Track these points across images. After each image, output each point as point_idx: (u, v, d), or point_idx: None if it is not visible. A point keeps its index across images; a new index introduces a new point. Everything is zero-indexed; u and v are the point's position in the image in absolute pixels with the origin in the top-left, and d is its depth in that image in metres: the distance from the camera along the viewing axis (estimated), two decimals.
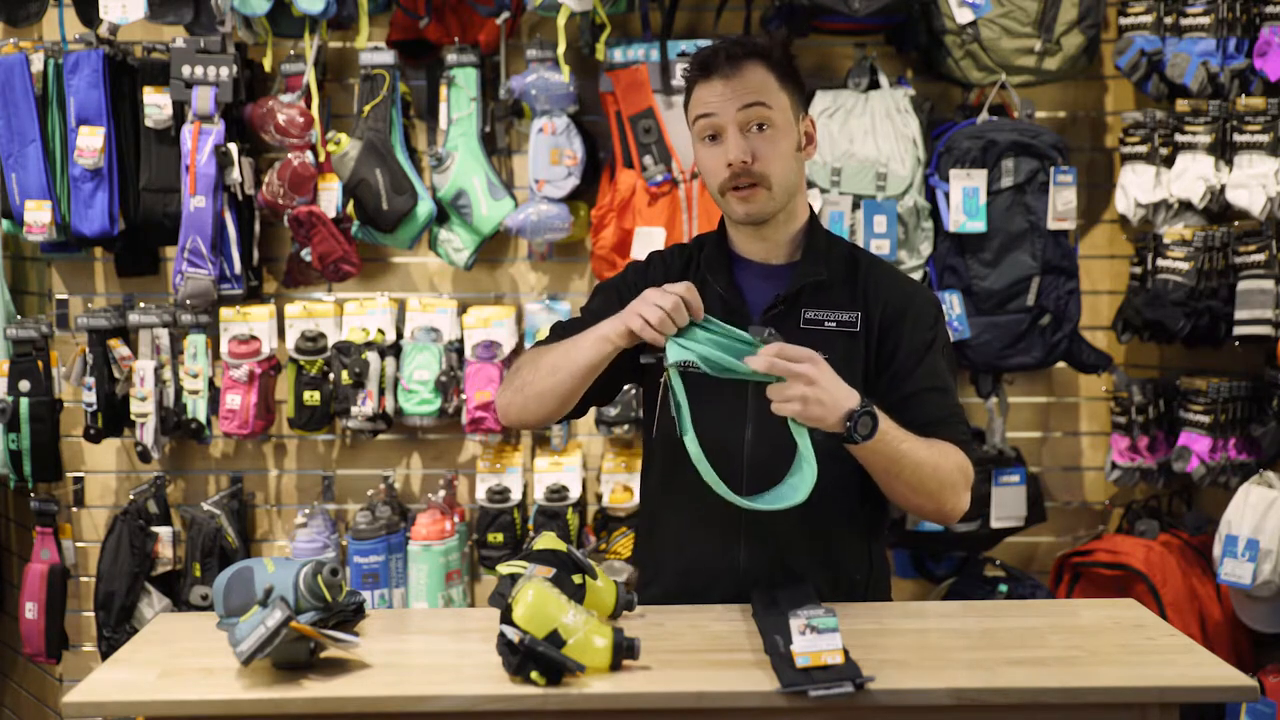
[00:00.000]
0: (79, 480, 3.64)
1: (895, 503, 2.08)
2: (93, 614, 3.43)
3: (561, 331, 2.20)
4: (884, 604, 2.06)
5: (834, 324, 2.09)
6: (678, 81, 3.30)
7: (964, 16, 3.27)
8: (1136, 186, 3.30)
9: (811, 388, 1.87)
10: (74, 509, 3.64)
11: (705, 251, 2.19)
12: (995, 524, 3.34)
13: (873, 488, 2.06)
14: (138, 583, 3.38)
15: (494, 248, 3.56)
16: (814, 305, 2.10)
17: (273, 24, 3.36)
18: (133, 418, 3.41)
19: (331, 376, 3.39)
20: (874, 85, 3.33)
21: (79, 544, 3.61)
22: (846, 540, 2.12)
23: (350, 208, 3.39)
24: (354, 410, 3.37)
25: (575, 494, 3.42)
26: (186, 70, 3.28)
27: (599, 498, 3.48)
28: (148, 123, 3.34)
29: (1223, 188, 3.15)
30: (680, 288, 1.93)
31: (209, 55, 3.28)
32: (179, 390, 3.43)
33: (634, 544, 2.34)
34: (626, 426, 3.37)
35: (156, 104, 3.33)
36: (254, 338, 3.43)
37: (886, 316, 2.10)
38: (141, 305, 3.46)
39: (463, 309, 3.51)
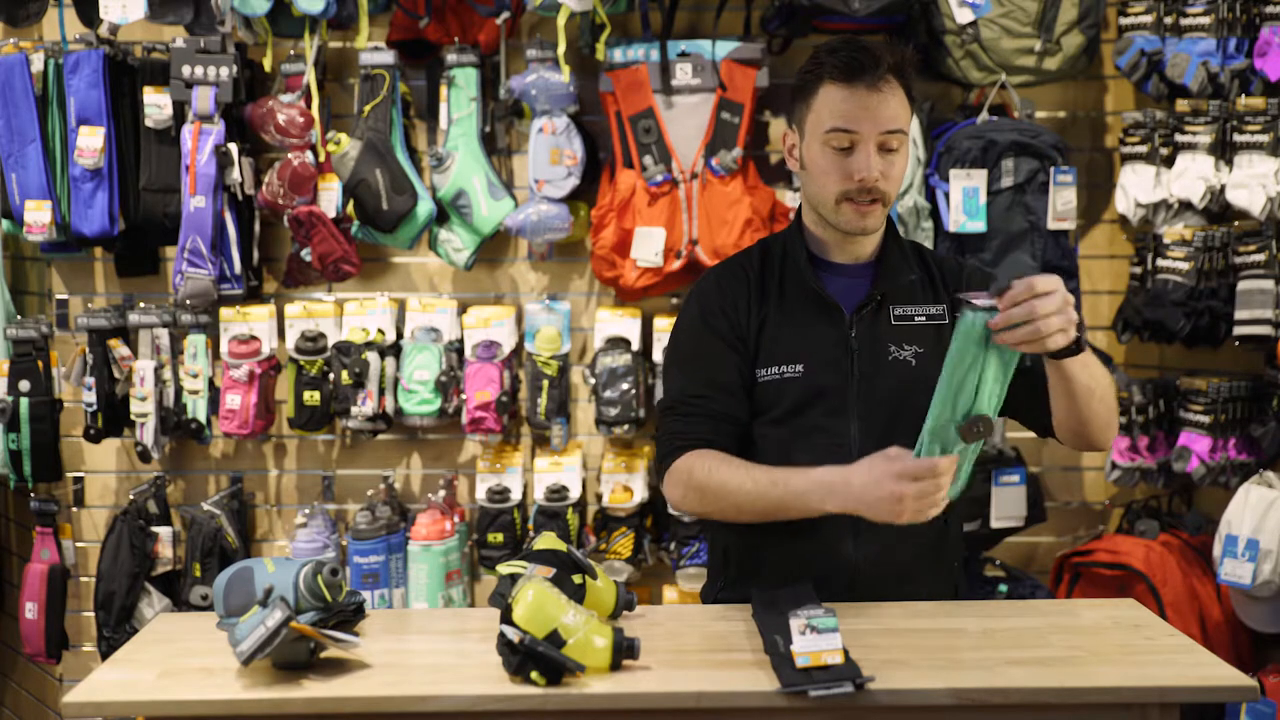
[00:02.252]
0: (79, 480, 3.64)
1: (1082, 425, 2.06)
2: (93, 614, 3.43)
3: (695, 411, 2.13)
4: (884, 604, 2.06)
5: (923, 318, 2.14)
6: (678, 81, 3.31)
7: (964, 16, 3.27)
8: (1136, 186, 3.30)
9: (1066, 307, 1.84)
10: (74, 509, 3.64)
11: (786, 255, 2.18)
12: (995, 524, 3.34)
13: None
14: (138, 583, 3.38)
15: (494, 248, 3.56)
16: (900, 302, 2.15)
17: (273, 24, 3.36)
18: (133, 418, 3.41)
19: (331, 376, 3.39)
20: None
21: (79, 544, 3.61)
22: (949, 531, 2.16)
23: (350, 208, 3.39)
24: (354, 410, 3.37)
25: (575, 494, 3.43)
26: (186, 70, 3.28)
27: (599, 498, 3.48)
28: (148, 123, 3.34)
29: (1223, 188, 3.15)
30: (924, 470, 1.89)
31: (209, 55, 3.28)
32: (179, 390, 3.43)
33: (711, 542, 2.33)
34: (626, 426, 3.37)
35: (156, 104, 3.33)
36: (254, 338, 3.43)
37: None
38: (141, 305, 3.46)
39: (463, 309, 3.51)
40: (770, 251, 2.21)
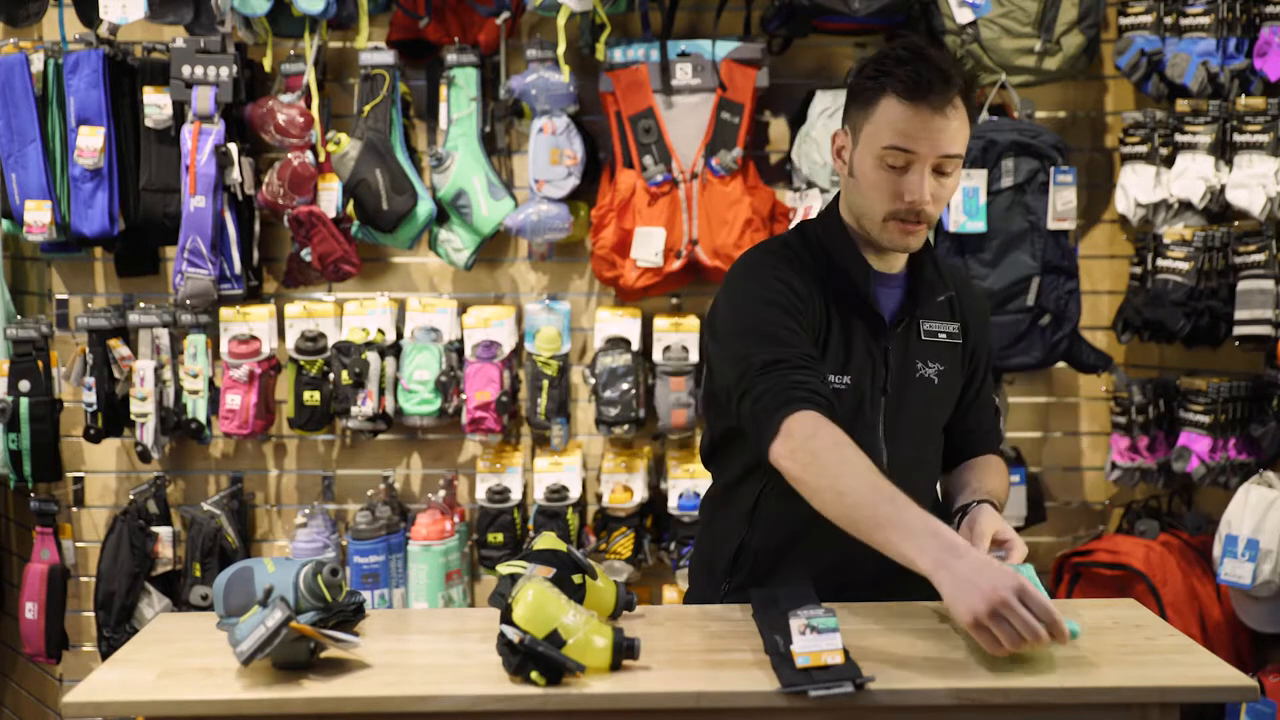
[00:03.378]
0: (79, 480, 3.64)
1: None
2: (93, 614, 3.43)
3: (801, 366, 1.94)
4: (884, 604, 2.06)
5: (945, 335, 2.11)
6: (678, 81, 3.30)
7: (964, 16, 3.26)
8: (1136, 186, 3.30)
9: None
10: (74, 509, 3.64)
11: (832, 256, 2.07)
12: None
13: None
14: (138, 583, 3.38)
15: (494, 248, 3.56)
16: (929, 318, 2.10)
17: (273, 24, 3.36)
18: (133, 418, 3.41)
19: (331, 376, 3.39)
20: None
21: (79, 544, 3.61)
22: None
23: (350, 208, 3.39)
24: (354, 410, 3.37)
25: (575, 494, 3.43)
26: (186, 70, 3.28)
27: (599, 498, 3.48)
28: (148, 123, 3.34)
29: (1223, 188, 3.15)
30: (1039, 602, 1.71)
31: (209, 55, 3.28)
32: (179, 390, 3.43)
33: (714, 541, 2.23)
34: (627, 426, 3.37)
35: (156, 104, 3.33)
36: (254, 338, 3.43)
37: (975, 324, 2.15)
38: (141, 305, 3.46)
39: (463, 309, 3.51)
40: (809, 246, 2.08)
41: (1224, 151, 3.16)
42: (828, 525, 1.87)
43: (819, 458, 1.85)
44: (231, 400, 3.40)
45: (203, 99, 3.27)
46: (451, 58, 3.38)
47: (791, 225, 3.23)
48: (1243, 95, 3.14)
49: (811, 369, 1.93)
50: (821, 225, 2.11)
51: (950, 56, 2.02)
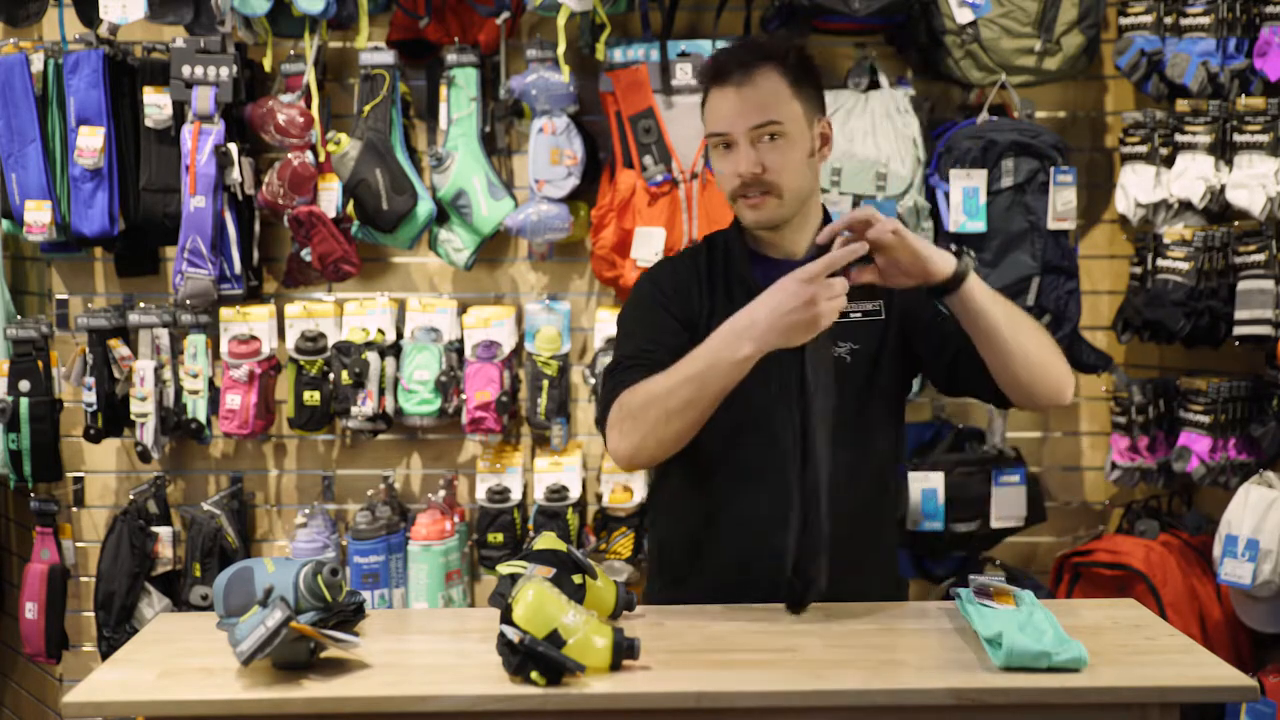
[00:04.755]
0: (79, 480, 3.64)
1: (1018, 372, 2.04)
2: (93, 614, 3.43)
3: (637, 363, 2.12)
4: (884, 604, 2.06)
5: (859, 314, 2.12)
6: (678, 81, 3.30)
7: (964, 16, 3.27)
8: (1136, 186, 3.30)
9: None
10: (74, 509, 3.64)
11: (724, 249, 2.21)
12: (995, 524, 3.34)
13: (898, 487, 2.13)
14: (138, 583, 3.38)
15: (494, 248, 3.56)
16: None
17: (273, 24, 3.36)
18: (133, 418, 3.41)
19: (331, 376, 3.39)
20: (874, 85, 3.33)
21: (79, 544, 3.61)
22: (883, 519, 2.15)
23: (350, 208, 3.39)
24: (354, 410, 3.37)
25: (575, 494, 3.42)
26: (186, 70, 3.28)
27: (599, 498, 3.48)
28: (148, 123, 3.34)
29: (1223, 188, 3.15)
30: (819, 267, 1.91)
31: (209, 55, 3.28)
32: (179, 390, 3.43)
33: (653, 541, 2.31)
34: None
35: (156, 104, 3.33)
36: (254, 338, 3.43)
37: (901, 291, 2.12)
38: (141, 305, 3.46)
39: (463, 309, 3.51)
40: (715, 247, 2.24)
41: (1224, 151, 3.16)
42: (729, 519, 2.06)
43: (633, 412, 2.03)
44: (231, 400, 3.40)
45: (203, 99, 3.27)
46: (451, 58, 3.38)
47: None
48: (1243, 95, 3.14)
49: (644, 362, 2.08)
50: (730, 227, 2.26)
51: (775, 39, 2.13)
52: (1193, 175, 3.18)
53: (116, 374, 3.41)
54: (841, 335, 2.12)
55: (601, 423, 2.16)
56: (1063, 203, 3.24)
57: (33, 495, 3.53)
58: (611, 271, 3.36)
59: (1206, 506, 3.44)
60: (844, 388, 2.08)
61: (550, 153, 3.33)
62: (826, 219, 2.20)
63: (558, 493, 3.41)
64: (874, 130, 3.25)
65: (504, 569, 1.88)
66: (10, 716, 3.88)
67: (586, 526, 3.49)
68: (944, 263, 1.94)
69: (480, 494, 3.45)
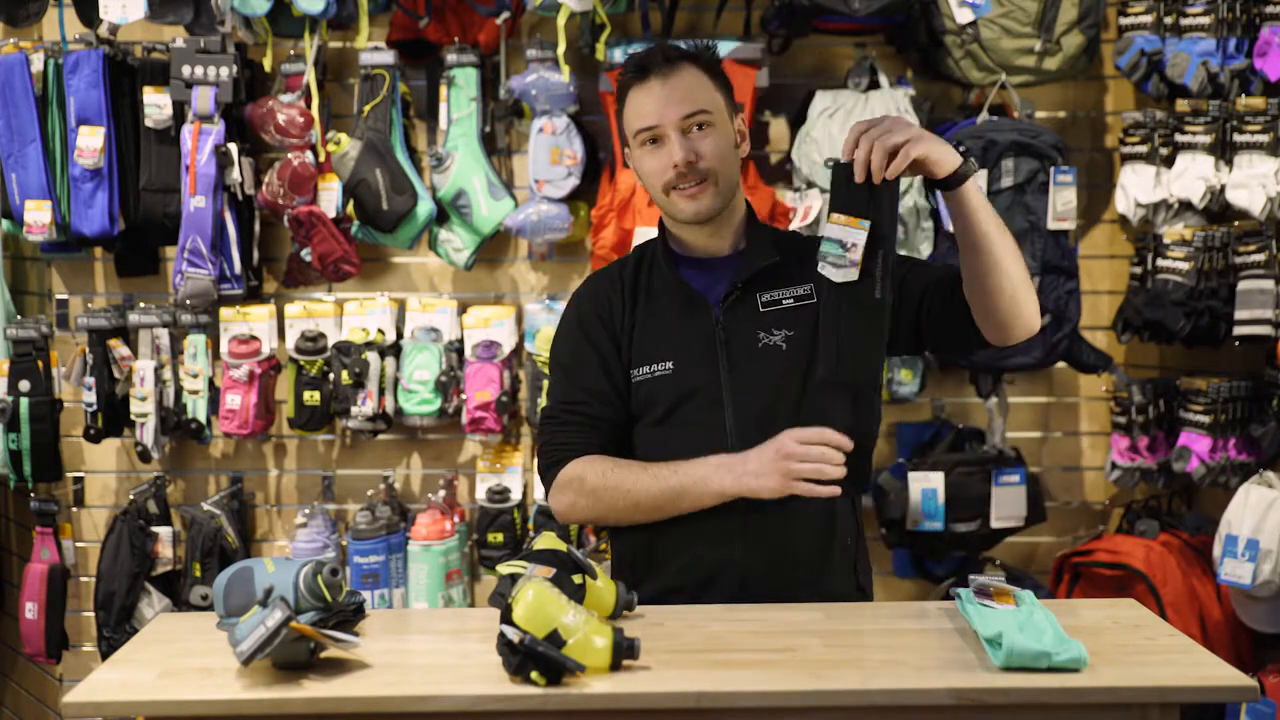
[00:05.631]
0: (79, 480, 3.64)
1: (999, 302, 2.01)
2: (93, 614, 3.43)
3: (570, 419, 2.17)
4: (884, 604, 2.06)
5: (791, 300, 2.15)
6: None
7: (964, 16, 3.27)
8: (1136, 186, 3.30)
9: (909, 129, 1.88)
10: (74, 509, 3.64)
11: (649, 256, 2.22)
12: (995, 524, 3.34)
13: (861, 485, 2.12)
14: (138, 583, 3.38)
15: (494, 248, 3.56)
16: (768, 288, 2.15)
17: (273, 24, 3.36)
18: (133, 418, 3.41)
19: (331, 376, 3.39)
20: (874, 85, 3.33)
21: (79, 544, 3.61)
22: (837, 524, 2.13)
23: (350, 208, 3.39)
24: (354, 410, 3.37)
25: None
26: (186, 70, 3.28)
27: None
28: (148, 123, 3.34)
29: (1223, 188, 3.15)
30: (813, 434, 2.01)
31: (209, 55, 3.28)
32: (179, 390, 3.43)
33: (613, 549, 2.33)
34: None
35: (156, 104, 3.33)
36: (254, 338, 3.43)
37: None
38: (141, 305, 3.46)
39: (463, 309, 3.51)
40: (642, 256, 2.24)
41: (1224, 151, 3.16)
42: (680, 528, 2.09)
43: (598, 494, 2.11)
44: (231, 400, 3.40)
45: (203, 99, 3.27)
46: (451, 58, 3.38)
47: (791, 225, 3.24)
48: (1243, 95, 3.14)
49: (579, 416, 2.14)
50: (656, 235, 2.26)
51: (689, 42, 2.20)
52: (1193, 175, 3.18)
53: (116, 374, 3.41)
54: (776, 324, 2.12)
55: (542, 473, 2.21)
56: (1063, 203, 3.24)
57: (33, 495, 3.53)
58: None
59: (1206, 506, 3.44)
60: (779, 375, 2.10)
61: (550, 153, 3.33)
62: (750, 215, 2.21)
63: None
64: None
65: (504, 569, 1.88)
66: (10, 716, 3.88)
67: (586, 526, 3.49)
68: (949, 158, 1.91)
69: (480, 494, 3.45)
